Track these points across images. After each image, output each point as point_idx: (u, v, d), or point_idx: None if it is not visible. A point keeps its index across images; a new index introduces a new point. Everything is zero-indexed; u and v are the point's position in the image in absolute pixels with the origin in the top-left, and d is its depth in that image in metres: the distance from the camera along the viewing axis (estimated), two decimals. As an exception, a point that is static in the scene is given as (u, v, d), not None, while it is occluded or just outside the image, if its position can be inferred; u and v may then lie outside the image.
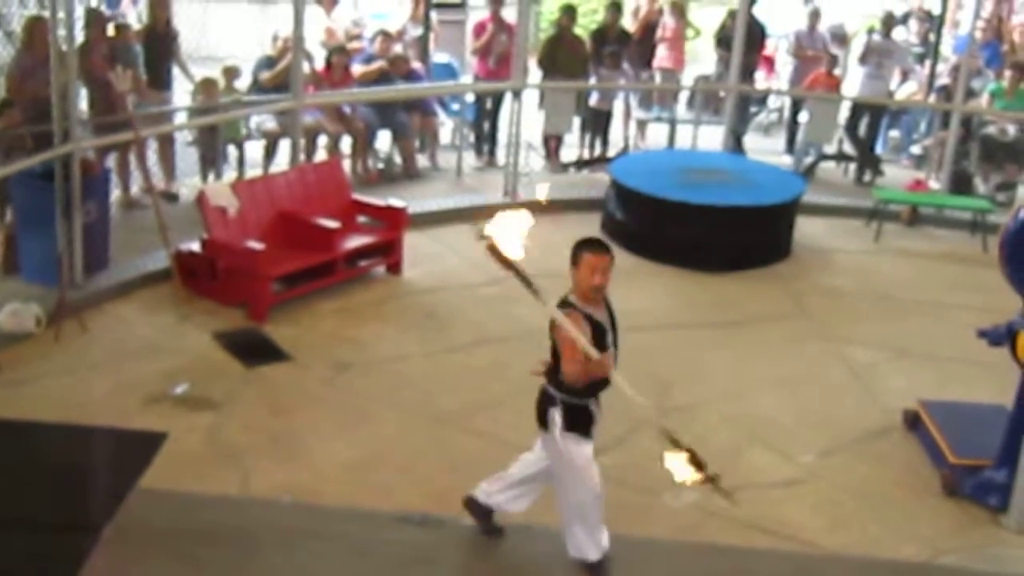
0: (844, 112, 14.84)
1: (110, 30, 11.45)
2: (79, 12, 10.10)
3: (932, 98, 14.97)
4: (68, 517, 6.45)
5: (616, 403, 8.06)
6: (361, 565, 6.23)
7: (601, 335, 5.82)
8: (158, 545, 6.27)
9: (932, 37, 16.45)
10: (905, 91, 15.73)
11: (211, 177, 12.00)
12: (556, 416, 5.88)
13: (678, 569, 6.46)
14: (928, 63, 16.08)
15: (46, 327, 8.65)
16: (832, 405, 8.52)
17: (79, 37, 9.92)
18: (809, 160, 14.68)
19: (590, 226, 11.83)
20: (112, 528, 6.34)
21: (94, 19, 11.01)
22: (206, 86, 11.77)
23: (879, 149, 15.30)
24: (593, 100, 14.40)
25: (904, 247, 12.33)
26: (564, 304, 5.78)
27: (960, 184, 13.66)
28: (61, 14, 8.97)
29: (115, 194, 10.86)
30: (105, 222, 9.82)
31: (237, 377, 8.36)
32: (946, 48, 16.70)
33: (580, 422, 5.92)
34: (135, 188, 11.35)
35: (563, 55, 14.04)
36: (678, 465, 5.57)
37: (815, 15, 15.81)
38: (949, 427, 7.72)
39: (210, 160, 12.11)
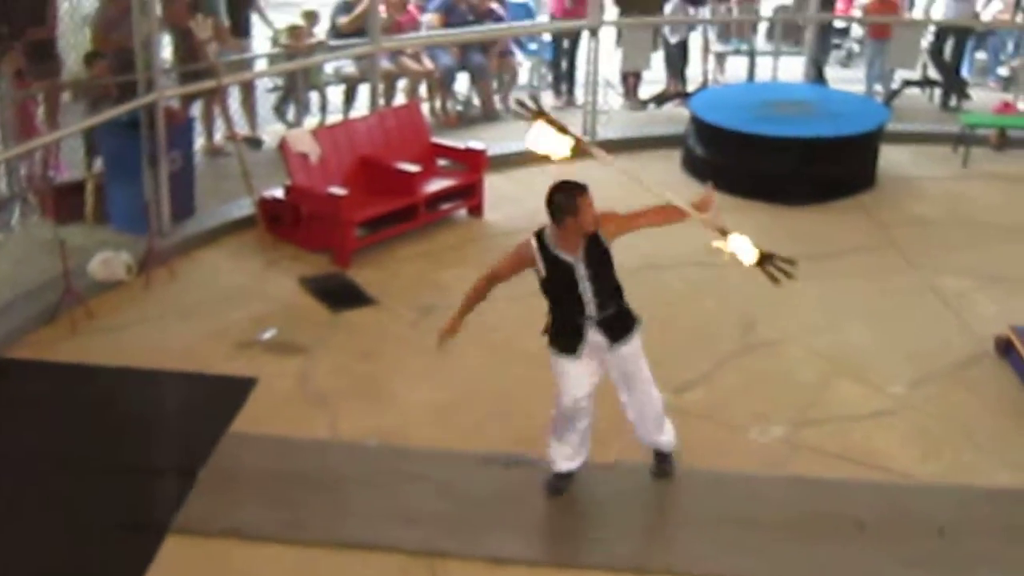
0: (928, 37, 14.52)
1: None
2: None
3: (1020, 18, 14.59)
4: (164, 461, 6.62)
5: (701, 340, 8.09)
6: (447, 505, 6.29)
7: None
8: (251, 488, 6.39)
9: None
10: (991, 11, 15.32)
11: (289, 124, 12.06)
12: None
13: (768, 503, 6.41)
14: (1016, -19, 15.66)
15: (136, 275, 8.79)
16: (922, 335, 8.38)
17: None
18: (893, 87, 14.40)
19: (670, 163, 11.74)
20: (206, 471, 6.49)
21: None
22: (294, 32, 11.79)
23: (965, 72, 14.96)
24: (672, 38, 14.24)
25: (993, 171, 12.03)
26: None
27: (1050, 106, 13.33)
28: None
29: (199, 142, 10.97)
30: (190, 170, 9.94)
31: (324, 322, 8.44)
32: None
33: None
34: (218, 136, 11.45)
35: (640, -9, 13.86)
36: (740, 246, 5.75)
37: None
38: (1042, 353, 7.60)
39: (290, 106, 12.17)
